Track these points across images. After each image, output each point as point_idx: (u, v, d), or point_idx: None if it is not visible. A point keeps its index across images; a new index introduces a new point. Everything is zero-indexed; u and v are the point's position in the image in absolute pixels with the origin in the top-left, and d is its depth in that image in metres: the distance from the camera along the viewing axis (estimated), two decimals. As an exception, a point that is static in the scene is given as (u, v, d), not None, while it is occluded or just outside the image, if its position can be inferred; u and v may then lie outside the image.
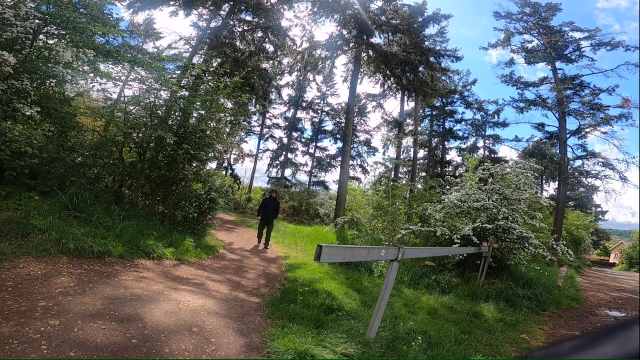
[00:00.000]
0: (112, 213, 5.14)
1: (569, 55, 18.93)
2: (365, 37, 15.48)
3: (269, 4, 15.81)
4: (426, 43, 18.35)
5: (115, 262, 4.04)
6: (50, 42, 6.02)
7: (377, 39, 16.15)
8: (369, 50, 16.12)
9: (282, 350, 2.58)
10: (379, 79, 18.25)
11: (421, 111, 25.17)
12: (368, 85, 76.91)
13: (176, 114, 7.15)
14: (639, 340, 0.25)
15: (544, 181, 23.83)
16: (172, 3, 15.71)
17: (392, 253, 3.03)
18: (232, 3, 15.70)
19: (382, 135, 25.52)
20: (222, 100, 7.80)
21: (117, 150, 6.80)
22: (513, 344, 4.22)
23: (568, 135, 18.86)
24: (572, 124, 19.16)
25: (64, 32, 5.91)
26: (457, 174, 18.93)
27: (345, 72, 19.95)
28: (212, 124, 7.44)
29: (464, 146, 26.41)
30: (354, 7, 14.82)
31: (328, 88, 26.88)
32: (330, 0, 14.66)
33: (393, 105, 57.98)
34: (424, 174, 25.21)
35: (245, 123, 17.56)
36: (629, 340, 0.25)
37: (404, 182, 15.64)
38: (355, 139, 25.94)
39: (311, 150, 27.34)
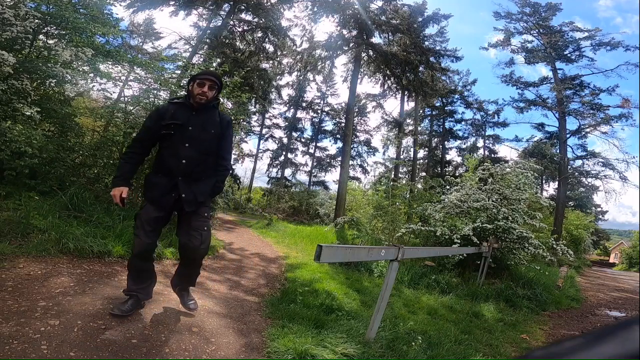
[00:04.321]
0: (112, 213, 5.13)
1: (569, 55, 18.94)
2: (365, 37, 15.48)
3: (269, 4, 15.81)
4: (426, 43, 18.34)
5: (115, 262, 4.04)
6: (50, 42, 6.02)
7: (377, 39, 16.17)
8: (369, 50, 16.12)
9: (282, 350, 2.58)
10: (379, 79, 18.28)
11: (421, 111, 25.17)
12: (368, 85, 76.94)
13: (176, 114, 7.14)
14: (639, 340, 0.25)
15: (544, 181, 23.82)
16: (172, 3, 15.70)
17: (392, 253, 3.03)
18: (232, 3, 15.70)
19: (382, 135, 25.55)
20: (221, 100, 7.79)
21: (117, 150, 6.80)
22: (513, 344, 4.22)
23: (568, 135, 18.87)
24: (572, 124, 19.22)
25: (64, 32, 5.91)
26: (457, 174, 18.95)
27: (345, 72, 19.98)
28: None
29: (464, 146, 26.43)
30: (354, 7, 14.82)
31: (328, 88, 26.91)
32: (330, 0, 14.66)
33: (393, 105, 57.98)
34: (424, 174, 25.20)
35: (245, 123, 17.55)
36: (629, 340, 0.25)
37: (404, 182, 15.66)
38: (355, 139, 25.93)
39: (311, 150, 27.36)
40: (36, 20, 5.06)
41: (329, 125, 27.55)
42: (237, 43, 17.39)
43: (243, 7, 16.11)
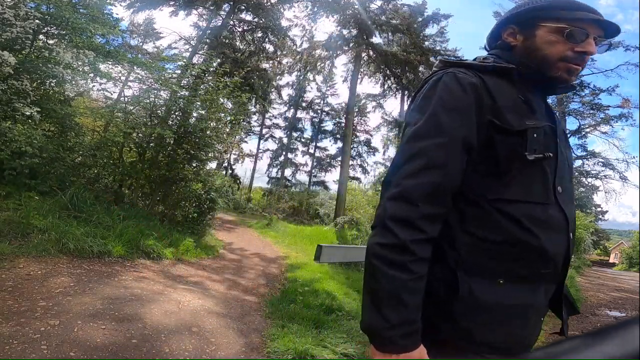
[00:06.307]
0: (112, 213, 5.14)
1: (569, 55, 18.91)
2: (365, 37, 15.49)
3: (269, 4, 15.82)
4: (426, 43, 18.33)
5: (115, 262, 4.04)
6: (50, 42, 6.02)
7: (377, 39, 16.18)
8: (369, 50, 16.14)
9: (282, 350, 2.58)
10: (379, 79, 18.31)
11: (421, 111, 25.13)
12: (368, 85, 77.10)
13: (176, 113, 7.16)
14: (639, 340, 0.25)
15: (544, 181, 23.75)
16: (172, 3, 15.70)
17: (392, 253, 3.02)
18: (232, 3, 15.70)
19: (382, 135, 25.51)
20: (221, 100, 7.80)
21: (117, 150, 6.80)
22: (513, 344, 4.22)
23: (568, 135, 18.87)
24: (572, 124, 19.21)
25: (64, 32, 5.91)
26: (457, 174, 18.81)
27: (345, 72, 19.99)
28: (212, 124, 7.44)
29: (464, 146, 26.37)
30: (353, 7, 14.83)
31: (328, 88, 26.85)
32: (330, 0, 14.67)
33: (393, 105, 58.04)
34: (424, 173, 25.15)
35: (245, 123, 17.58)
36: (629, 340, 0.25)
37: (404, 182, 15.62)
38: (355, 139, 25.88)
39: (311, 150, 27.30)
40: (36, 21, 5.05)
41: (329, 125, 27.50)
42: (237, 43, 17.38)
43: (243, 7, 16.11)
